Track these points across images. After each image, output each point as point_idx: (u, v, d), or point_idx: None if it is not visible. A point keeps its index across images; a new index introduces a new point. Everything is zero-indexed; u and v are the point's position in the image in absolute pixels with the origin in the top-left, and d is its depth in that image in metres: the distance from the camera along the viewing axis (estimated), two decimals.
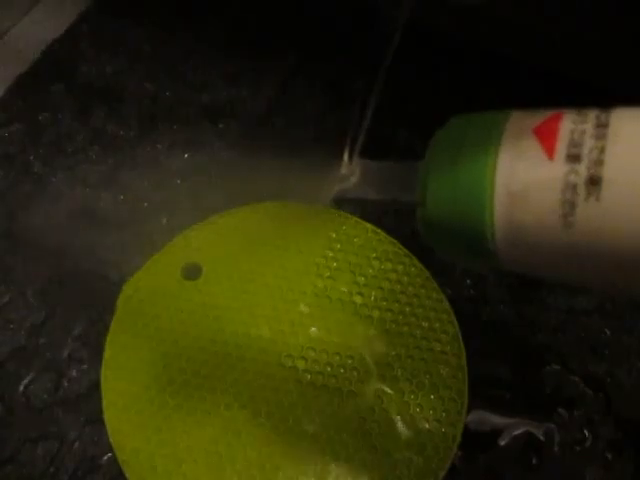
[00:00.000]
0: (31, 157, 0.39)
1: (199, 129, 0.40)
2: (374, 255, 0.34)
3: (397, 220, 0.36)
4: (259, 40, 0.45)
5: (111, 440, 0.29)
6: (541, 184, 0.16)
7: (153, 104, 0.42)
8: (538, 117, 0.17)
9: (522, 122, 0.17)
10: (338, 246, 0.35)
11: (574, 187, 0.15)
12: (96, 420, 0.30)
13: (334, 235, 0.35)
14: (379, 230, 0.35)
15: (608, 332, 0.33)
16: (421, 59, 0.39)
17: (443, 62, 0.43)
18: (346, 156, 0.23)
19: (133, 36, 0.45)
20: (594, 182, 0.15)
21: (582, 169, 0.15)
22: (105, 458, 0.30)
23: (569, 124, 0.16)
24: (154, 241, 0.35)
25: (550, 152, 0.16)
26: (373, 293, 0.33)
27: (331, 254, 0.34)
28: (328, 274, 0.34)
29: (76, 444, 0.30)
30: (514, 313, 0.33)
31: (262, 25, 0.45)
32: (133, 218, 0.36)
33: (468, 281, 0.34)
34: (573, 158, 0.15)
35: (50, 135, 0.40)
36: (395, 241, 0.35)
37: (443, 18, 0.39)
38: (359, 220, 0.36)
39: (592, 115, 0.16)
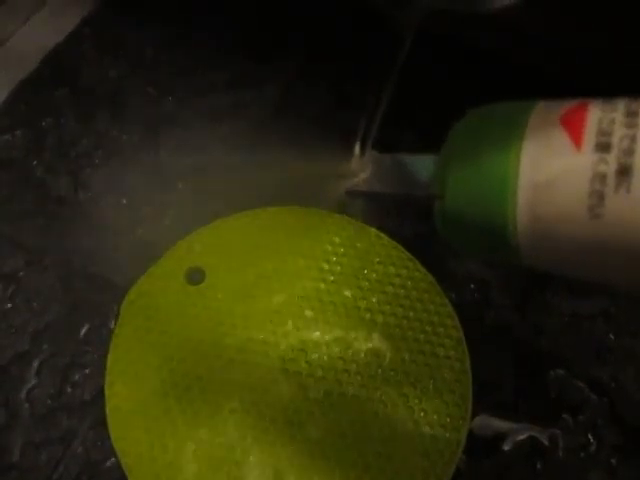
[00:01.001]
0: (34, 162, 0.39)
1: (202, 133, 0.40)
2: (377, 259, 0.34)
3: (400, 224, 0.36)
4: (262, 43, 0.45)
5: (115, 445, 0.29)
6: (568, 174, 0.15)
7: (156, 108, 0.42)
8: (564, 106, 0.16)
9: (547, 112, 0.17)
10: (341, 250, 0.35)
11: (603, 177, 0.15)
12: (100, 425, 0.30)
13: (337, 239, 0.35)
14: (382, 234, 0.35)
15: (612, 336, 0.33)
16: (427, 62, 0.39)
17: (450, 65, 0.42)
18: (357, 149, 0.22)
19: (136, 40, 0.45)
20: (625, 172, 0.14)
21: (612, 159, 0.15)
22: (109, 463, 0.30)
23: (597, 112, 0.16)
24: (157, 245, 0.35)
25: (578, 141, 0.15)
26: (376, 297, 0.33)
27: (334, 258, 0.34)
28: (332, 278, 0.34)
29: (80, 449, 0.30)
30: (518, 317, 0.33)
31: (264, 28, 0.45)
32: (136, 222, 0.36)
33: (472, 285, 0.34)
34: (602, 147, 0.15)
35: (53, 140, 0.40)
36: (398, 245, 0.35)
37: (452, 23, 0.39)
38: (362, 224, 0.35)
39: (621, 103, 0.16)
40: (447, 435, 0.29)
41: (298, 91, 0.43)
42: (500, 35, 0.40)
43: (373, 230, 0.35)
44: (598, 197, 0.15)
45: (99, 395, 0.31)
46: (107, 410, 0.30)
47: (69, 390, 0.31)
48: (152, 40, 0.45)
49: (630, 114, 0.15)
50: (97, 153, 0.39)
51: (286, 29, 0.45)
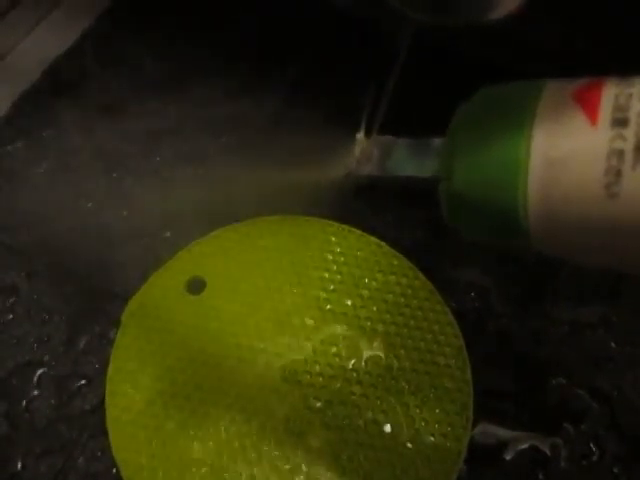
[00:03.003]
0: (35, 173, 0.39)
1: (202, 143, 0.41)
2: (378, 268, 0.34)
3: (400, 233, 0.36)
4: (261, 54, 0.45)
5: (115, 455, 0.29)
6: (583, 152, 0.15)
7: (156, 119, 0.42)
8: (577, 84, 0.16)
9: (559, 89, 0.16)
10: (342, 259, 0.35)
11: (620, 154, 0.14)
12: (100, 435, 0.30)
13: (338, 248, 0.35)
14: (382, 243, 0.35)
15: (613, 345, 0.33)
16: (425, 70, 0.40)
17: (448, 74, 0.43)
18: (362, 134, 0.22)
19: (136, 52, 0.45)
20: None
21: (630, 134, 0.14)
22: (109, 474, 0.29)
23: (613, 88, 0.15)
24: (158, 255, 0.35)
25: (593, 117, 0.15)
26: (377, 306, 0.33)
27: (335, 267, 0.34)
28: (332, 287, 0.34)
29: (80, 459, 0.30)
30: (518, 326, 0.33)
31: (264, 40, 0.46)
32: (137, 232, 0.37)
33: (472, 294, 0.34)
34: (619, 122, 0.14)
35: (54, 151, 0.40)
36: (398, 254, 0.35)
37: (447, 33, 0.39)
38: (362, 233, 0.36)
39: (638, 79, 0.15)
40: (448, 445, 0.29)
41: (297, 101, 0.43)
42: (506, 49, 0.40)
43: (373, 239, 0.35)
44: (615, 175, 0.14)
45: (100, 405, 0.31)
46: (108, 420, 0.30)
47: (70, 400, 0.31)
48: (152, 52, 0.45)
49: None
50: (97, 164, 0.39)
51: (285, 41, 0.46)
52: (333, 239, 0.35)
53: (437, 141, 0.19)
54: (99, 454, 0.30)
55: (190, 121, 0.42)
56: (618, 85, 0.15)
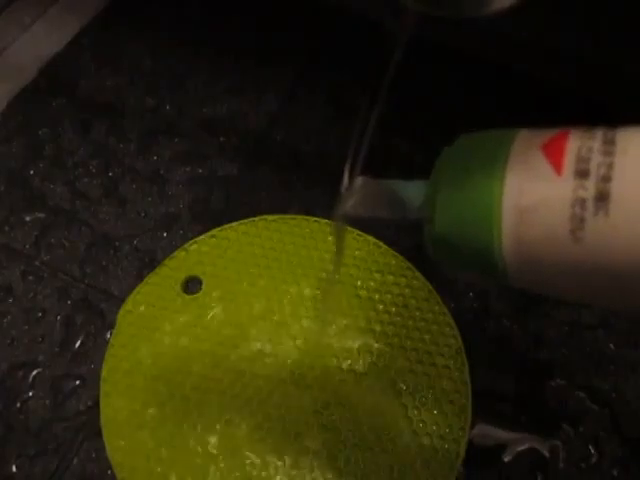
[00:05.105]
0: (32, 171, 0.39)
1: (200, 143, 0.40)
2: (376, 268, 0.34)
3: (399, 233, 0.36)
4: (260, 55, 0.45)
5: (110, 457, 0.29)
6: (550, 199, 0.16)
7: (154, 118, 0.42)
8: (545, 135, 0.17)
9: (529, 140, 0.17)
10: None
11: (583, 202, 0.15)
12: (95, 436, 0.30)
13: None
14: (381, 243, 0.35)
15: (613, 347, 0.32)
16: (422, 73, 0.39)
17: (444, 76, 0.43)
18: (346, 177, 0.22)
19: (133, 50, 0.45)
20: (603, 198, 0.15)
21: (590, 185, 0.15)
22: (104, 475, 0.29)
23: (576, 141, 0.16)
24: (154, 255, 0.35)
25: (558, 168, 0.16)
26: (375, 306, 0.33)
27: (332, 267, 0.34)
28: (329, 288, 0.33)
29: (75, 461, 0.30)
30: (518, 327, 0.33)
31: (263, 40, 0.45)
32: (133, 232, 0.36)
33: (471, 294, 0.34)
34: (581, 174, 0.15)
35: (50, 149, 0.40)
36: (397, 254, 0.34)
37: (445, 33, 0.39)
38: (361, 233, 0.35)
39: (599, 132, 0.16)
40: (446, 447, 0.29)
41: (296, 101, 0.43)
42: (499, 48, 0.40)
43: (371, 239, 0.35)
44: (579, 221, 0.15)
45: (94, 406, 0.30)
46: (102, 421, 0.30)
47: (64, 402, 0.31)
48: (150, 50, 0.45)
49: (607, 142, 0.16)
50: (94, 162, 0.39)
51: (285, 40, 0.45)
52: (331, 239, 0.35)
53: (424, 182, 0.20)
54: (94, 455, 0.30)
55: (188, 120, 0.42)
56: (582, 137, 0.16)
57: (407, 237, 0.35)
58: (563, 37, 0.36)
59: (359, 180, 0.22)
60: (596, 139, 0.16)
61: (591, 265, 0.16)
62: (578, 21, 0.34)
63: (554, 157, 0.16)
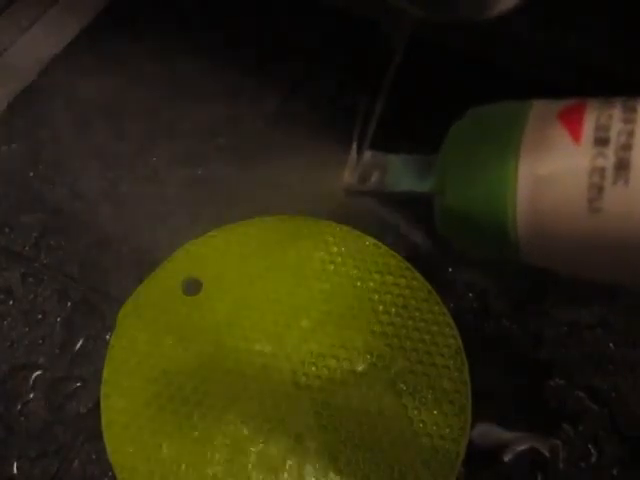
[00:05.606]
0: (31, 173, 0.39)
1: (199, 144, 0.40)
2: (375, 269, 0.34)
3: (398, 234, 0.36)
4: (259, 56, 0.45)
5: (110, 459, 0.29)
6: (567, 168, 0.15)
7: (153, 119, 0.42)
8: (561, 104, 0.17)
9: (545, 109, 0.17)
10: (339, 260, 0.34)
11: (602, 171, 0.15)
12: (95, 438, 0.30)
13: (335, 249, 0.35)
14: (380, 243, 0.35)
15: (612, 346, 0.32)
16: (422, 72, 0.39)
17: (445, 75, 0.42)
18: (354, 150, 0.22)
19: (133, 52, 0.45)
20: (623, 166, 0.15)
21: (610, 153, 0.15)
22: (105, 477, 0.29)
23: (595, 109, 0.16)
24: (154, 256, 0.35)
25: (576, 136, 0.15)
26: (374, 307, 0.33)
27: (332, 268, 0.34)
28: (329, 288, 0.33)
29: (75, 463, 0.30)
30: (517, 327, 0.33)
31: (262, 41, 0.45)
32: (133, 233, 0.36)
33: (470, 294, 0.34)
34: (601, 141, 0.15)
35: (50, 151, 0.40)
36: (396, 254, 0.34)
37: (445, 33, 0.39)
38: (360, 234, 0.35)
39: (619, 100, 0.16)
40: (446, 447, 0.29)
41: (296, 102, 0.43)
42: (502, 49, 0.40)
43: (371, 239, 0.35)
44: (597, 190, 0.15)
45: (95, 408, 0.30)
46: (103, 423, 0.30)
47: (65, 403, 0.31)
48: (149, 52, 0.45)
49: (627, 110, 0.15)
50: (94, 164, 0.39)
51: (284, 42, 0.45)
52: (331, 239, 0.35)
53: (432, 157, 0.20)
54: (94, 457, 0.30)
55: (187, 121, 0.42)
56: (600, 106, 0.16)
57: (407, 238, 0.35)
58: (563, 37, 0.36)
59: (367, 154, 0.22)
60: (616, 107, 0.16)
61: (608, 236, 0.15)
62: (578, 21, 0.34)
63: (572, 125, 0.16)
